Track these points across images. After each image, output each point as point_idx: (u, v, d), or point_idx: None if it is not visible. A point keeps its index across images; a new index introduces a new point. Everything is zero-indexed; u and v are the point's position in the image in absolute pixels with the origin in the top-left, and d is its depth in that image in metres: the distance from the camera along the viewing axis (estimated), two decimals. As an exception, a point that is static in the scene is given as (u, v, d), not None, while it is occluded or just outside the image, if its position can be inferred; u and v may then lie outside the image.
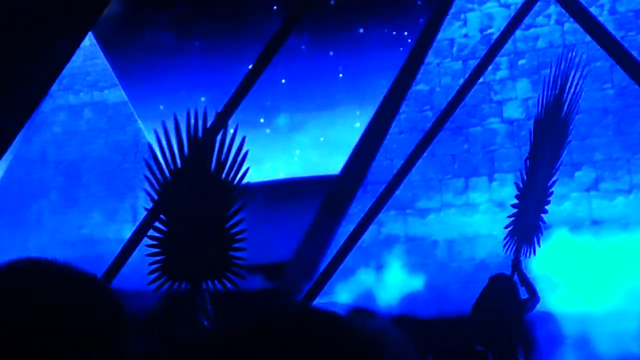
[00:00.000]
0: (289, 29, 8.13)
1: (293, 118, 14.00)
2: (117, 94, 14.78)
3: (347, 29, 13.80)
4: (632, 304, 11.22)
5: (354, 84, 13.76)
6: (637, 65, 8.41)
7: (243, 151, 7.15)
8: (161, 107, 14.21)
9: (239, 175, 7.16)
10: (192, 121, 7.25)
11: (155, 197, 7.11)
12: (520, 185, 9.73)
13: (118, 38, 14.62)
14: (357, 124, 13.74)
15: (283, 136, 13.95)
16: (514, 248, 9.40)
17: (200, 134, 7.12)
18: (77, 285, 1.69)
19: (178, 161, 7.24)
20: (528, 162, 9.57)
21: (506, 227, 9.54)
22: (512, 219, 9.59)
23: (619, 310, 11.23)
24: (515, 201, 9.61)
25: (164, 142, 7.16)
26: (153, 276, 7.07)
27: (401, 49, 13.64)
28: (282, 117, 13.98)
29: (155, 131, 7.19)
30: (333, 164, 13.69)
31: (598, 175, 12.71)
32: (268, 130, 14.01)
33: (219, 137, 7.15)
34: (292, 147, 13.98)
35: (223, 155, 7.20)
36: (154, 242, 7.04)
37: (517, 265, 9.15)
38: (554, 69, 10.03)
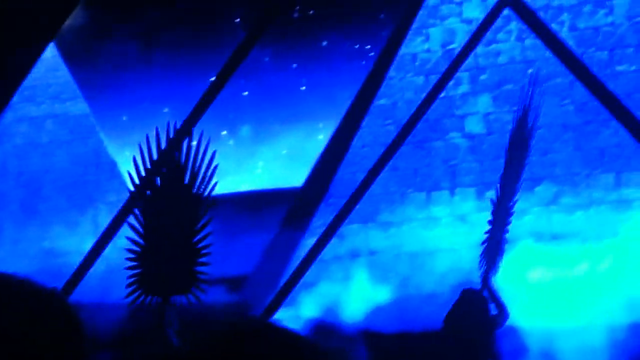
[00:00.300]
0: (252, 42, 8.09)
1: (256, 130, 13.94)
2: (79, 106, 14.64)
3: (310, 41, 13.77)
4: (594, 318, 11.25)
5: (317, 97, 13.72)
6: (597, 82, 8.44)
7: (213, 165, 7.14)
8: (124, 118, 14.11)
9: (208, 189, 7.14)
10: (162, 136, 7.20)
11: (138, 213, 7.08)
12: (495, 200, 9.72)
13: (81, 49, 14.49)
14: (320, 136, 13.70)
15: (246, 148, 13.88)
16: (484, 263, 9.37)
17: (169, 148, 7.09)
18: (35, 299, 1.66)
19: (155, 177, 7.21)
20: (501, 177, 9.55)
21: (482, 243, 9.50)
22: (487, 235, 9.54)
23: (581, 325, 11.26)
24: (489, 217, 9.58)
25: (140, 164, 7.11)
26: (130, 289, 7.07)
27: (363, 62, 13.63)
28: (245, 129, 13.92)
29: (134, 158, 7.12)
30: (296, 176, 13.64)
31: (558, 190, 12.75)
32: (231, 142, 13.94)
33: (191, 151, 7.14)
34: (255, 159, 13.91)
35: (196, 168, 7.20)
36: (133, 256, 7.03)
37: (486, 280, 9.10)
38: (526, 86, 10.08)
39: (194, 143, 7.20)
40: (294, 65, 13.86)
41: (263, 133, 13.86)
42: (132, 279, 7.10)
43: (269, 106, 13.84)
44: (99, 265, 10.62)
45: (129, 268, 7.14)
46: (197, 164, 7.08)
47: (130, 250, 7.14)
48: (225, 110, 13.55)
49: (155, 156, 7.18)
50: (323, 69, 13.73)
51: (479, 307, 8.61)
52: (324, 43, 13.84)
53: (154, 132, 7.39)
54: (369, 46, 13.68)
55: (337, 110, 13.58)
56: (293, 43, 13.82)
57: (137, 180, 7.14)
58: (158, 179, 7.13)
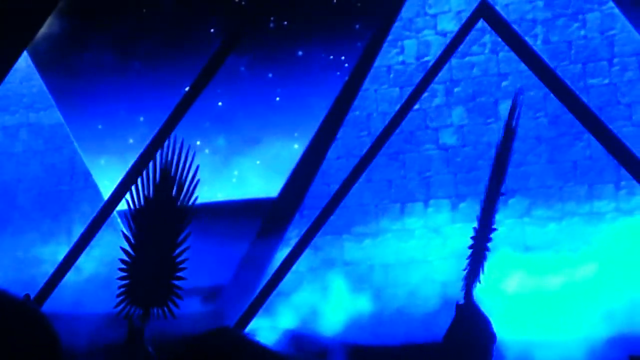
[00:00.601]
0: (226, 51, 8.02)
1: (232, 139, 13.86)
2: (53, 116, 14.53)
3: (286, 51, 13.72)
4: (570, 329, 11.22)
5: (292, 106, 13.67)
6: (571, 94, 8.42)
7: (196, 179, 7.13)
8: (99, 126, 13.99)
9: (191, 201, 7.13)
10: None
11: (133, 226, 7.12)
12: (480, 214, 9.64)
13: (55, 59, 14.38)
14: (296, 146, 13.65)
15: (222, 157, 13.80)
16: (465, 277, 9.27)
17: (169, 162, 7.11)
18: (8, 309, 1.61)
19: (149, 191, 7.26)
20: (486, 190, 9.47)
21: (467, 259, 9.41)
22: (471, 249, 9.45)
23: (559, 337, 11.22)
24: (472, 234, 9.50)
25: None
26: (119, 299, 7.07)
27: (338, 73, 13.60)
28: (220, 139, 13.83)
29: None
30: (272, 185, 13.57)
31: (531, 202, 12.71)
32: (207, 151, 13.86)
33: (179, 163, 7.14)
34: (230, 169, 13.83)
35: (182, 181, 7.19)
36: (124, 266, 7.05)
37: (469, 295, 9.03)
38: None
39: (181, 155, 7.19)
40: (270, 75, 13.81)
41: (238, 142, 13.78)
42: (122, 289, 7.09)
43: (244, 115, 13.76)
44: (71, 275, 10.49)
45: (119, 278, 7.14)
46: (183, 177, 7.09)
47: (121, 261, 7.15)
48: (200, 119, 13.47)
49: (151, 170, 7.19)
50: (298, 79, 13.68)
51: (478, 321, 8.58)
52: (300, 53, 13.80)
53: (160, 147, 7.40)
54: (343, 57, 13.65)
55: (312, 120, 13.53)
56: (269, 52, 13.77)
57: (133, 193, 7.15)
58: (150, 190, 7.15)
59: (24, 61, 14.45)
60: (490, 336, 8.82)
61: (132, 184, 6.79)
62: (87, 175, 14.22)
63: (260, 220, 13.47)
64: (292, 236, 12.80)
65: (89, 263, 13.00)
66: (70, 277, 9.34)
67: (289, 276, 11.83)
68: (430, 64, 12.87)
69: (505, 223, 12.76)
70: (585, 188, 12.55)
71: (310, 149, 13.60)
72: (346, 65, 13.62)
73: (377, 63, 13.49)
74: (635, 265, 11.43)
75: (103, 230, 11.77)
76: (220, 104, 13.63)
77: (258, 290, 12.17)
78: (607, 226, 12.04)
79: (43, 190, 14.49)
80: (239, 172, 13.83)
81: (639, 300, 11.21)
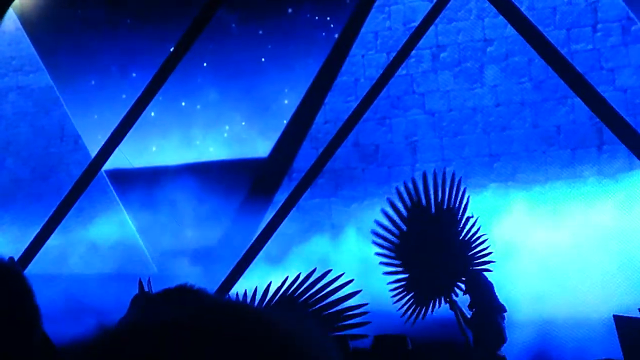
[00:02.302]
0: (216, 6, 7.72)
1: (223, 94, 13.63)
2: (42, 78, 14.28)
3: (276, 8, 13.49)
4: (551, 288, 11.08)
5: (282, 62, 13.44)
6: (560, 57, 8.17)
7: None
8: (93, 82, 13.74)
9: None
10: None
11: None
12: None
13: (45, 19, 14.08)
14: (286, 101, 13.45)
15: (213, 112, 13.58)
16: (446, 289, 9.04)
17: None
18: None
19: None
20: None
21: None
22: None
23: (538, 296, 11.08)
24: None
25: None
26: None
27: (324, 34, 13.36)
28: (212, 93, 13.61)
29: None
30: (261, 141, 13.39)
31: (515, 166, 12.58)
32: (199, 106, 13.62)
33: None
34: (221, 123, 13.61)
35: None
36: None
37: (453, 304, 8.83)
38: None
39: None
40: (260, 32, 13.58)
41: (229, 97, 13.57)
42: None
43: (235, 71, 13.54)
44: (56, 237, 10.26)
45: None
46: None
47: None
48: (192, 75, 13.23)
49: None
50: (288, 36, 13.44)
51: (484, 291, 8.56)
52: (290, 10, 13.56)
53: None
54: (329, 18, 13.43)
55: (303, 76, 13.34)
56: (259, 9, 13.54)
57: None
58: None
59: (13, 24, 14.17)
60: (500, 306, 8.68)
61: (120, 141, 6.52)
62: (77, 138, 13.98)
63: (250, 181, 13.29)
64: (281, 199, 12.59)
65: (77, 225, 12.78)
66: (56, 238, 9.10)
67: (277, 239, 11.57)
68: (409, 25, 12.62)
69: (490, 187, 12.60)
70: (569, 152, 12.42)
71: (299, 113, 13.41)
72: (332, 25, 13.39)
73: (364, 29, 13.30)
74: (615, 229, 11.27)
75: (91, 190, 11.51)
76: (205, 64, 13.39)
77: (243, 253, 11.91)
78: (590, 189, 11.89)
79: (33, 152, 14.28)
80: (230, 126, 13.63)
81: (616, 265, 11.06)
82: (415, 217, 8.76)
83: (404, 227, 8.71)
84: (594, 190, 11.85)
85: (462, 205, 8.72)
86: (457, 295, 8.76)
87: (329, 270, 7.88)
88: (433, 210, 8.80)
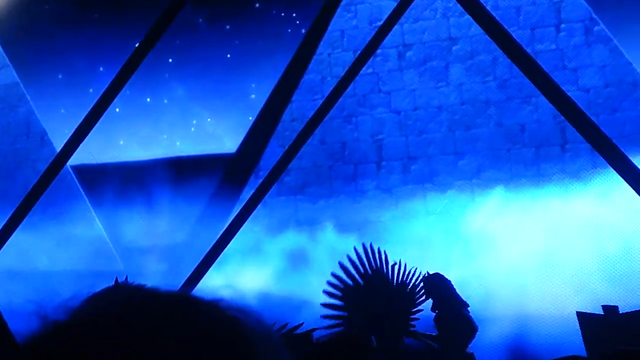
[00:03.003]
0: (183, 1, 7.59)
1: (190, 90, 13.52)
2: (8, 75, 14.09)
3: (243, 3, 13.40)
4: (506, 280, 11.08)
5: (249, 58, 13.34)
6: (526, 56, 8.13)
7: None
8: (60, 76, 13.56)
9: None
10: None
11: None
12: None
13: (11, 14, 13.89)
14: (253, 96, 13.36)
15: (180, 107, 13.45)
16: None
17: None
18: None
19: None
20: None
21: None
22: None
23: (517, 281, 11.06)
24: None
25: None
26: None
27: (289, 30, 13.28)
28: (179, 89, 13.49)
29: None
30: (228, 137, 13.29)
31: (480, 164, 12.57)
32: (166, 101, 13.49)
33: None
34: (189, 118, 13.50)
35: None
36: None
37: (415, 335, 8.87)
38: None
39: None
40: (227, 27, 13.47)
41: (196, 92, 13.46)
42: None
43: (202, 66, 13.43)
44: (21, 233, 10.08)
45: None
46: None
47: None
48: (159, 70, 13.09)
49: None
50: (255, 31, 13.34)
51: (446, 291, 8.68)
52: (257, 5, 13.47)
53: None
54: (295, 14, 13.35)
55: (268, 73, 13.25)
56: (227, 4, 13.43)
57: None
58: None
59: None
60: (462, 302, 8.69)
61: (85, 136, 6.39)
62: (44, 134, 13.80)
63: (217, 177, 13.19)
64: (248, 197, 12.49)
65: (42, 221, 12.61)
66: (20, 234, 8.97)
67: (245, 236, 11.44)
68: (376, 25, 12.59)
69: (455, 185, 12.58)
70: (533, 151, 12.43)
71: (266, 110, 13.33)
72: (298, 22, 13.32)
73: (331, 27, 13.24)
74: (579, 226, 11.28)
75: (57, 186, 11.35)
76: (171, 60, 13.27)
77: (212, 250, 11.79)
78: (553, 187, 11.91)
79: (-1, 149, 14.11)
80: (197, 120, 13.52)
81: (579, 261, 11.08)
82: (357, 283, 9.33)
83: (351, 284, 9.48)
84: (557, 188, 11.86)
85: (385, 264, 9.41)
86: (414, 326, 8.96)
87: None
88: (370, 272, 9.47)
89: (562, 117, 11.36)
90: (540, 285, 11.07)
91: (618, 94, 12.16)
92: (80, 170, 13.22)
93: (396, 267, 9.34)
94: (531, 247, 11.24)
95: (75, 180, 13.39)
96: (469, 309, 8.69)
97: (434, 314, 8.74)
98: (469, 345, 8.54)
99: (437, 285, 8.77)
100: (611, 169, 7.42)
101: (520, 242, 11.32)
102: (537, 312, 10.91)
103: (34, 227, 11.85)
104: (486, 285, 11.10)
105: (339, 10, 13.20)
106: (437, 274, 8.92)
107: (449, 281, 8.84)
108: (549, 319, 10.86)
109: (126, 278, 6.56)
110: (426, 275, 8.91)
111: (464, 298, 8.79)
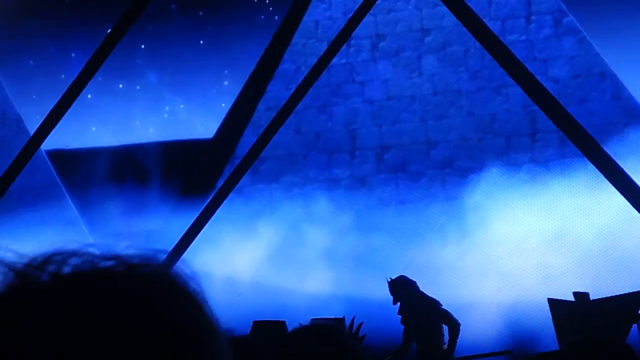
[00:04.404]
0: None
1: (162, 76, 13.31)
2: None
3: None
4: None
5: (222, 45, 13.15)
6: (501, 46, 8.01)
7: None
8: (31, 62, 13.32)
9: None
10: None
11: None
12: None
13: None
14: (226, 83, 13.18)
15: (153, 93, 13.25)
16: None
17: None
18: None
19: None
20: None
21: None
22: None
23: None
24: None
25: None
26: None
27: (262, 17, 13.10)
28: (151, 75, 13.29)
29: None
30: (201, 123, 13.11)
31: (452, 153, 12.48)
32: (138, 87, 13.28)
33: None
34: (161, 105, 13.30)
35: None
36: None
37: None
38: None
39: None
40: (200, 13, 13.28)
41: (169, 79, 13.27)
42: None
43: (175, 52, 13.23)
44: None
45: None
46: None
47: None
48: (132, 56, 12.87)
49: None
50: (228, 17, 13.14)
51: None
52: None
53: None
54: (267, 0, 13.19)
55: (241, 59, 13.08)
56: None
57: None
58: None
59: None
60: (433, 300, 8.40)
61: (57, 122, 6.19)
62: (19, 122, 13.55)
63: (191, 163, 13.01)
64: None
65: (19, 206, 12.40)
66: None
67: (218, 223, 11.25)
68: (355, 18, 12.40)
69: (427, 173, 12.48)
70: (503, 140, 12.36)
71: (240, 100, 13.16)
72: (271, 8, 13.14)
73: (305, 18, 13.09)
74: (549, 213, 11.21)
75: (32, 171, 11.13)
76: (143, 46, 13.05)
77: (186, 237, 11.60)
78: (523, 176, 11.83)
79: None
80: (170, 107, 13.32)
81: (550, 248, 11.00)
82: None
83: None
84: (527, 176, 11.78)
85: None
86: None
87: None
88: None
89: (532, 108, 11.32)
90: (507, 272, 10.97)
91: (586, 85, 12.10)
92: (55, 155, 13.02)
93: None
94: (499, 235, 11.15)
95: (51, 166, 13.17)
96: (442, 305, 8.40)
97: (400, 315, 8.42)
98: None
99: (402, 286, 8.43)
100: (580, 158, 7.31)
101: (492, 230, 11.23)
102: (504, 298, 10.80)
103: (10, 211, 11.66)
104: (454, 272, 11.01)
105: (313, 1, 13.05)
106: (401, 276, 8.56)
107: (414, 282, 8.51)
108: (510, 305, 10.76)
109: None
110: (389, 280, 8.53)
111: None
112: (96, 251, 0.85)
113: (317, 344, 2.10)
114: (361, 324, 7.11)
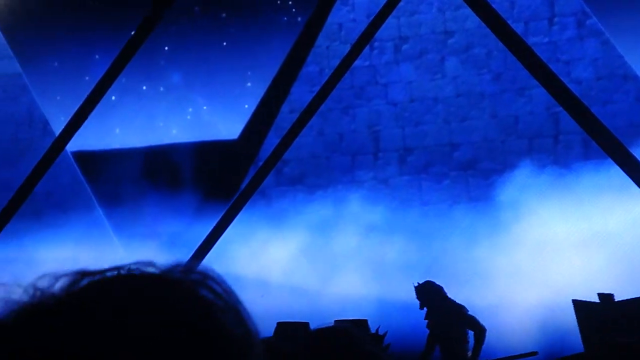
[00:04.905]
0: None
1: (186, 77, 13.33)
2: (10, 65, 13.87)
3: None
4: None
5: (245, 46, 13.15)
6: (525, 47, 7.93)
7: None
8: (55, 64, 13.36)
9: None
10: None
11: None
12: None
13: (11, 6, 13.67)
14: (249, 84, 13.17)
15: (176, 95, 13.26)
16: None
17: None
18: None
19: None
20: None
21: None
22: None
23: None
24: None
25: None
26: None
27: (285, 18, 13.08)
28: (175, 76, 13.30)
29: None
30: (224, 124, 13.11)
31: (475, 155, 12.42)
32: (162, 88, 13.29)
33: None
34: (185, 106, 13.31)
35: None
36: None
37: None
38: None
39: None
40: (223, 15, 13.28)
41: (192, 80, 13.28)
42: None
43: (198, 54, 13.24)
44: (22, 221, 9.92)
45: None
46: None
47: None
48: (155, 57, 12.89)
49: None
50: (250, 19, 13.15)
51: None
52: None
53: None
54: (290, 2, 13.17)
55: (264, 60, 13.07)
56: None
57: None
58: None
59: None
60: (460, 305, 8.27)
61: (82, 123, 6.18)
62: (45, 124, 13.61)
63: (215, 164, 13.01)
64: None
65: (47, 208, 12.42)
66: (22, 221, 8.82)
67: (242, 225, 11.23)
68: (378, 20, 12.35)
69: (450, 175, 12.41)
70: (526, 142, 12.29)
71: (264, 102, 13.15)
72: (294, 10, 13.12)
73: (329, 20, 13.07)
74: (574, 216, 11.11)
75: (58, 173, 11.16)
76: (167, 48, 13.05)
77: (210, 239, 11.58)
78: (546, 177, 11.74)
79: (1, 138, 13.90)
80: (193, 108, 13.32)
81: (576, 252, 10.91)
82: None
83: None
84: (550, 178, 11.70)
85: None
86: None
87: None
88: None
89: (555, 109, 11.24)
90: (532, 275, 10.88)
91: (609, 87, 12.01)
92: (81, 157, 13.06)
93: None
94: (526, 239, 11.06)
95: (76, 167, 13.21)
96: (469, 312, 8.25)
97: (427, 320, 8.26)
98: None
99: (429, 292, 8.25)
100: (603, 159, 7.21)
101: (516, 231, 11.14)
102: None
103: (37, 213, 11.69)
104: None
105: (337, 3, 13.03)
106: (428, 282, 8.37)
107: (441, 287, 8.34)
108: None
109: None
110: (416, 285, 8.33)
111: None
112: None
113: (330, 347, 2.09)
114: (385, 333, 6.99)
